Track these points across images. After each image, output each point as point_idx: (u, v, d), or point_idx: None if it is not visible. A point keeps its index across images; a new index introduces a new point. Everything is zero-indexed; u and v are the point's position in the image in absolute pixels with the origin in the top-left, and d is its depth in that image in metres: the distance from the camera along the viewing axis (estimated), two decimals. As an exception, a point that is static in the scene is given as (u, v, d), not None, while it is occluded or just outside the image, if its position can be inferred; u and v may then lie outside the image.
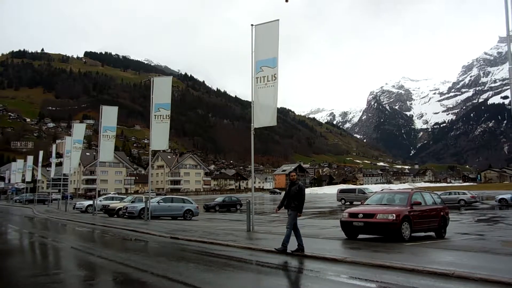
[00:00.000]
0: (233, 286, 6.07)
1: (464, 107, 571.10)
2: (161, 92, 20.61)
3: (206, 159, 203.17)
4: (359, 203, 19.49)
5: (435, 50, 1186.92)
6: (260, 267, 7.61)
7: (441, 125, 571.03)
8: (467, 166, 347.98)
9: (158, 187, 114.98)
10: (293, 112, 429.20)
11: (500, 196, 32.57)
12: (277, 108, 14.14)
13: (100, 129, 26.37)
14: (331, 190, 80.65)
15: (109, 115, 26.49)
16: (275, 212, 13.14)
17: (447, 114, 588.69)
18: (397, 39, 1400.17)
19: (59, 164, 54.51)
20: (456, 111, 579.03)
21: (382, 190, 16.39)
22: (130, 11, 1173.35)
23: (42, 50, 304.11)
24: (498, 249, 9.50)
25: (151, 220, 19.49)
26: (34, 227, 18.69)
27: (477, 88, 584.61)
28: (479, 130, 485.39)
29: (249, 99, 15.31)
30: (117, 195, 38.42)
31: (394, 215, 10.04)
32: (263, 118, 14.06)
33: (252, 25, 14.39)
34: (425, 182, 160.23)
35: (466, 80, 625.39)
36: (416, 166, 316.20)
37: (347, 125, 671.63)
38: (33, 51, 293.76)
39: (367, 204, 11.89)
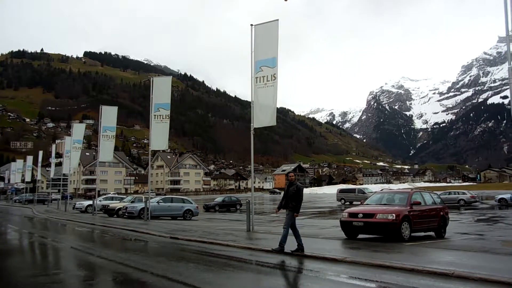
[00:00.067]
0: (233, 286, 6.07)
1: (463, 107, 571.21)
2: (161, 92, 20.62)
3: (205, 159, 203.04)
4: (359, 203, 19.50)
5: (434, 50, 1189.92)
6: (260, 267, 7.61)
7: (441, 125, 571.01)
8: (467, 166, 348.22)
9: (157, 187, 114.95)
10: (293, 112, 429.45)
11: (500, 196, 32.57)
12: (277, 108, 14.16)
13: (100, 129, 26.39)
14: (331, 190, 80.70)
15: (109, 115, 26.53)
16: (275, 212, 13.13)
17: (446, 114, 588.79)
18: (396, 39, 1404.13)
19: (59, 164, 54.39)
20: (455, 111, 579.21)
21: (381, 190, 16.41)
22: (130, 11, 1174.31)
23: (42, 50, 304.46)
24: (497, 249, 9.50)
25: (151, 220, 19.49)
26: (33, 227, 18.68)
27: (477, 88, 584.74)
28: (478, 130, 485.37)
29: (249, 99, 15.32)
30: (116, 195, 38.42)
31: (393, 215, 10.05)
32: (262, 118, 14.06)
33: (251, 25, 14.39)
34: (424, 182, 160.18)
35: (466, 80, 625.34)
36: (416, 166, 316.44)
37: (347, 125, 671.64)
38: (32, 51, 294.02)
39: (367, 204, 11.90)
